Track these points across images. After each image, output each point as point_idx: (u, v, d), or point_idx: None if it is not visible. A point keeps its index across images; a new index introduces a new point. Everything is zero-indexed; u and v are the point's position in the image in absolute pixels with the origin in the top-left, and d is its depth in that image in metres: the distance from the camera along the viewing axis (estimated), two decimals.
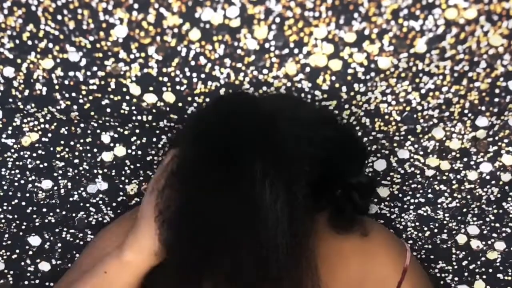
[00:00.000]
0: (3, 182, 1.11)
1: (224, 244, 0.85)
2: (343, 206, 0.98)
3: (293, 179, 0.87)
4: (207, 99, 1.01)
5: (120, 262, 0.89)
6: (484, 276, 1.18)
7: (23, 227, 1.15)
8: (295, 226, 0.86)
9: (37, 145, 1.08)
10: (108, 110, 1.03)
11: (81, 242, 1.17)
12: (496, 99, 1.01)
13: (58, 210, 1.14)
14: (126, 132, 1.08)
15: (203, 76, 0.99)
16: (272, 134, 0.88)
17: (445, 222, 1.15)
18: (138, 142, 1.09)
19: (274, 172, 0.85)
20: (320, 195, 0.93)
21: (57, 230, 1.16)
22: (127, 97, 1.01)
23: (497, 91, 1.00)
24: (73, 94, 1.01)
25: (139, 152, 1.10)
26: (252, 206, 0.84)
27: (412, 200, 1.14)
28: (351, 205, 0.98)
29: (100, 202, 1.14)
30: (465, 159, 1.08)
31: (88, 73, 0.99)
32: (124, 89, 1.01)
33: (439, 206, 1.13)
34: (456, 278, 1.19)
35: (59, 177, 1.11)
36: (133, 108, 1.03)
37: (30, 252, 1.17)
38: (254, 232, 0.85)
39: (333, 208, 0.98)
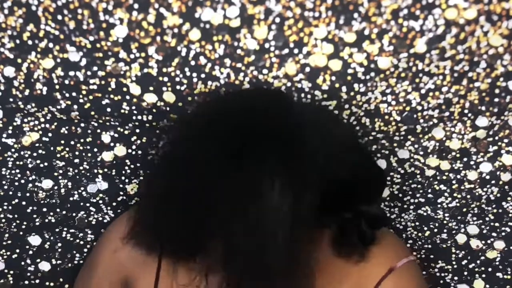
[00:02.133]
0: (4, 182, 1.11)
1: (218, 227, 0.87)
2: (349, 231, 0.98)
3: (307, 189, 0.87)
4: (207, 99, 1.01)
5: None
6: (483, 275, 1.19)
7: (23, 226, 1.15)
8: (297, 232, 0.87)
9: (37, 144, 1.08)
10: (108, 109, 1.03)
11: (81, 242, 1.17)
12: (496, 99, 1.01)
13: (58, 210, 1.14)
14: (126, 132, 1.08)
15: (203, 76, 0.99)
16: (298, 141, 0.89)
17: (445, 222, 1.15)
18: (138, 141, 1.09)
19: (288, 176, 0.86)
20: (329, 212, 0.93)
21: (57, 229, 1.16)
22: (127, 97, 1.01)
23: (497, 91, 1.00)
24: (73, 94, 1.02)
25: (139, 152, 1.10)
26: (259, 201, 0.85)
27: (412, 200, 1.14)
28: (356, 232, 0.98)
29: (100, 201, 1.14)
30: (465, 159, 1.08)
31: (88, 73, 0.99)
32: (124, 89, 1.01)
33: (439, 206, 1.13)
34: (455, 277, 1.20)
35: (60, 177, 1.11)
36: (133, 108, 1.03)
37: (30, 252, 1.17)
38: (254, 225, 0.86)
39: (338, 230, 0.98)
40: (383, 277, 1.00)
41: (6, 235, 1.15)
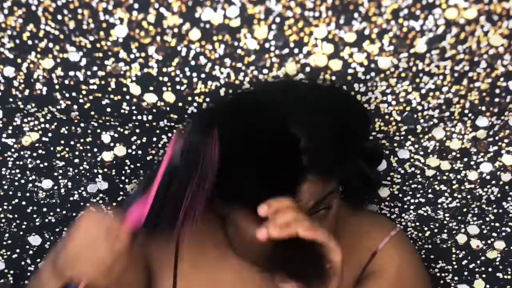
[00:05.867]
0: (4, 182, 1.11)
1: None
2: (354, 180, 0.99)
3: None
4: (207, 99, 1.01)
5: None
6: (483, 275, 1.19)
7: (24, 226, 1.15)
8: None
9: (37, 144, 1.08)
10: (108, 109, 1.03)
11: None
12: (497, 99, 1.01)
13: (58, 210, 1.14)
14: (126, 132, 1.08)
15: (203, 76, 0.99)
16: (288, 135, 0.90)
17: (445, 222, 1.15)
18: (138, 141, 1.09)
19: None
20: (338, 164, 0.94)
21: (57, 229, 1.16)
22: (127, 97, 1.01)
23: (497, 91, 1.00)
24: (73, 94, 1.02)
25: (139, 152, 1.10)
26: None
27: (412, 200, 1.14)
28: (361, 179, 0.98)
29: (100, 201, 1.14)
30: (465, 159, 1.08)
31: (88, 73, 0.99)
32: (124, 89, 1.01)
33: (439, 206, 1.13)
34: (456, 278, 1.20)
35: (60, 177, 1.11)
36: (133, 107, 1.03)
37: (31, 252, 1.17)
38: None
39: (344, 183, 0.99)
40: (367, 263, 1.02)
41: (6, 235, 1.15)
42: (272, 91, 0.95)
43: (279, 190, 0.88)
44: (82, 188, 1.13)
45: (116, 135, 1.08)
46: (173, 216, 0.88)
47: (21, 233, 1.15)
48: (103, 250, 0.86)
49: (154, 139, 1.08)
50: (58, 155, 1.09)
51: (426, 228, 1.16)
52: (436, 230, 1.16)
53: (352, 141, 0.95)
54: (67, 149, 1.09)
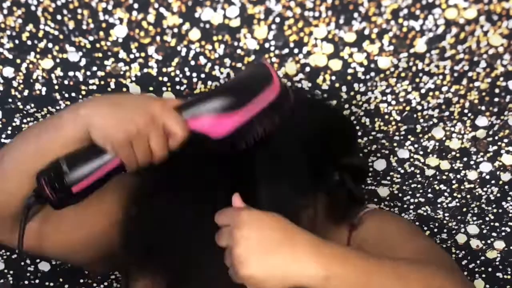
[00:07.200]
0: None
1: None
2: (338, 194, 0.97)
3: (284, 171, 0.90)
4: None
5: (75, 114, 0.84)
6: (483, 275, 1.19)
7: None
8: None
9: None
10: None
11: None
12: (496, 99, 1.01)
13: None
14: None
15: (203, 76, 0.99)
16: None
17: (445, 221, 1.15)
18: None
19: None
20: (316, 175, 0.94)
21: None
22: None
23: (497, 90, 1.00)
24: (73, 94, 1.01)
25: None
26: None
27: (412, 200, 1.14)
28: (345, 191, 0.98)
29: None
30: (465, 159, 1.08)
31: (88, 73, 0.99)
32: (124, 89, 1.01)
33: (439, 205, 1.13)
34: None
35: None
36: None
37: None
38: None
39: (328, 197, 0.98)
40: (348, 239, 0.99)
41: None
42: None
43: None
44: None
45: None
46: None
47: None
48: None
49: None
50: None
51: (425, 228, 1.16)
52: (435, 230, 1.16)
53: (328, 156, 0.95)
54: None
